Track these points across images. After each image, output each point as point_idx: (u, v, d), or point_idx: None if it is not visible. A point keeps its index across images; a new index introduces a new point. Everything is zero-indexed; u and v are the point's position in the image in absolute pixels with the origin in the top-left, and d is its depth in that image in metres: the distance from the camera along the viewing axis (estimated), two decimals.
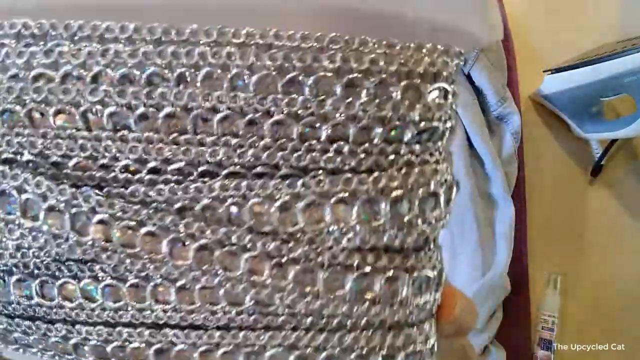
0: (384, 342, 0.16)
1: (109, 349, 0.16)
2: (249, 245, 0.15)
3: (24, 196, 0.15)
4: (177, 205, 0.15)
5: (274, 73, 0.15)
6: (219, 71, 0.15)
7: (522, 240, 0.49)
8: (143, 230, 0.15)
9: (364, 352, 0.16)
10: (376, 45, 0.15)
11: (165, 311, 0.16)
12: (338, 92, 0.15)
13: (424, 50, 0.16)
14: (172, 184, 0.15)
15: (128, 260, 0.15)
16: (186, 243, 0.15)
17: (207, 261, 0.15)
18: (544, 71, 0.51)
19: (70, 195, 0.15)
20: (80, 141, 0.15)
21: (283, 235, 0.16)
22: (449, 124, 0.17)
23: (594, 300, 0.50)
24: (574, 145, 0.53)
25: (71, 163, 0.16)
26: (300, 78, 0.15)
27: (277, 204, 0.15)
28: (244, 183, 0.15)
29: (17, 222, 0.16)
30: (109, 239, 0.15)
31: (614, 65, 0.43)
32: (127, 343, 0.16)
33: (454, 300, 0.19)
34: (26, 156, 0.16)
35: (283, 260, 0.16)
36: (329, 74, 0.15)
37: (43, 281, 0.16)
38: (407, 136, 0.16)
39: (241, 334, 0.16)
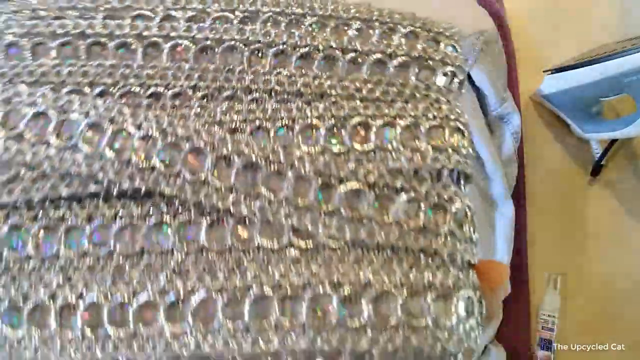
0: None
1: None
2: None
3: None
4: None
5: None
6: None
7: (522, 240, 0.49)
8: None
9: None
10: None
11: None
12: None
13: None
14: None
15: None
16: None
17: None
18: (544, 71, 0.51)
19: None
20: None
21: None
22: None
23: (594, 300, 0.50)
24: (574, 145, 0.53)
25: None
26: None
27: None
28: None
29: None
30: None
31: (614, 65, 0.43)
32: None
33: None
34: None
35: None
36: None
37: None
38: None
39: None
